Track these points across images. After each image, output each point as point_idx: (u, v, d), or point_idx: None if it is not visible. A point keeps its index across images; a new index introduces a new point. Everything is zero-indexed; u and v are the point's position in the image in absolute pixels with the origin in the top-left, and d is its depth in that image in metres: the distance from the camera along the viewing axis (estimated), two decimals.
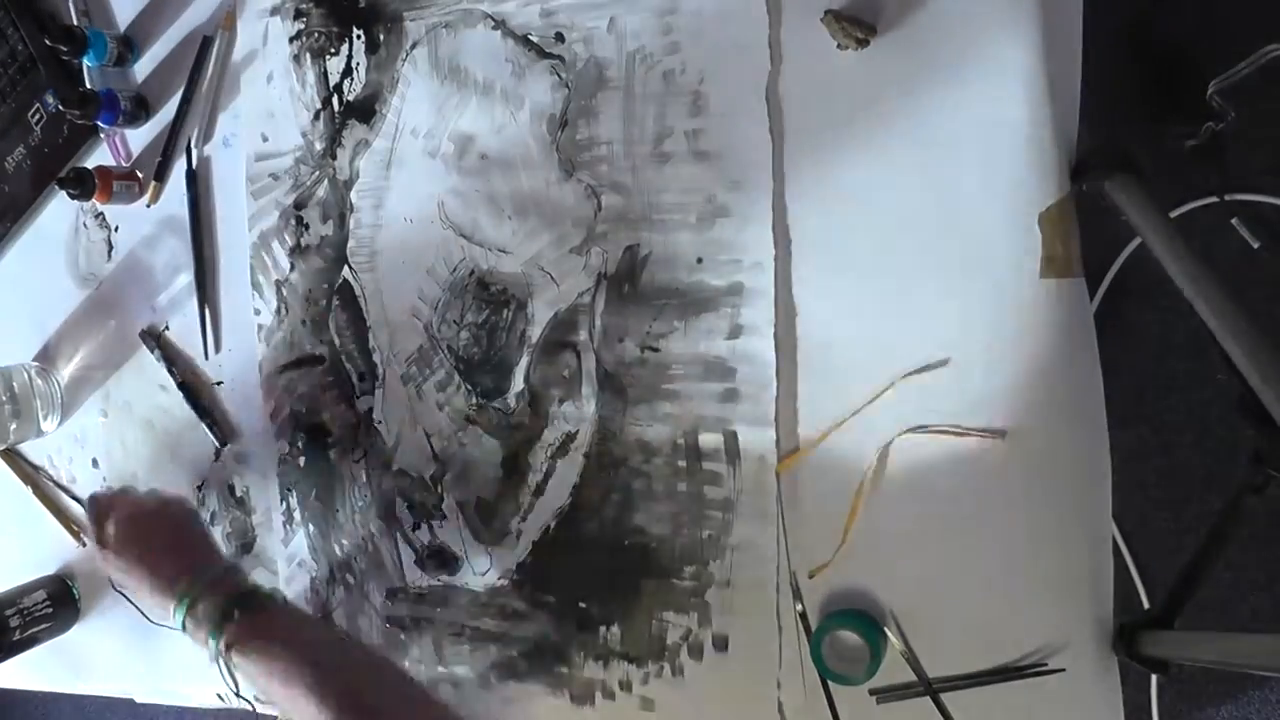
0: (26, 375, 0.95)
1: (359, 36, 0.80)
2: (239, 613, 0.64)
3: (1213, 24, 1.20)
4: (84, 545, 0.98)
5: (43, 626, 0.95)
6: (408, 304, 0.79)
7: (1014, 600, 0.63)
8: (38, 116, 0.94)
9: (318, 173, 0.82)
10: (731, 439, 0.68)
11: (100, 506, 0.75)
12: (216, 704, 0.87)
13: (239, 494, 0.89)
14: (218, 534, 0.89)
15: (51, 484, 1.00)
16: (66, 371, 0.97)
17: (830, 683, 0.67)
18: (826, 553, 0.67)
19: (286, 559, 0.86)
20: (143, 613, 0.92)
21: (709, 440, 0.69)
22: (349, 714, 0.57)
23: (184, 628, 0.67)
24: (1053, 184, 0.60)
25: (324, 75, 0.81)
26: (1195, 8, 1.20)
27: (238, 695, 0.66)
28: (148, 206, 0.90)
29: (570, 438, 0.74)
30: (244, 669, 0.63)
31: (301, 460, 0.85)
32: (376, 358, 0.81)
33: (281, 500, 0.86)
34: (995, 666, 0.63)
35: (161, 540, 0.72)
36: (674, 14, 0.68)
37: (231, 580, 0.68)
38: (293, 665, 0.60)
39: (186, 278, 0.89)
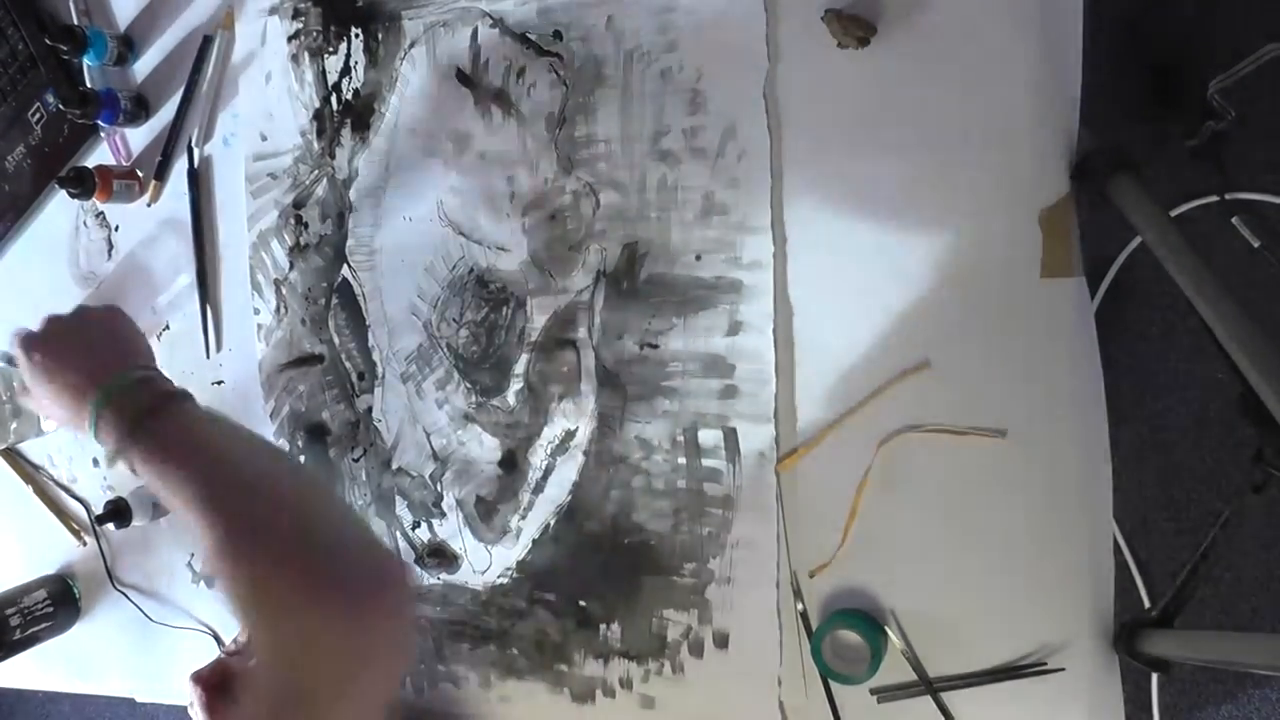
0: None
1: (357, 35, 0.80)
2: (148, 421, 0.57)
3: (1213, 24, 1.20)
4: (84, 545, 0.98)
5: (43, 626, 0.95)
6: (407, 302, 0.79)
7: (1014, 600, 0.63)
8: (38, 116, 0.94)
9: (316, 172, 0.82)
10: (731, 435, 0.68)
11: (23, 337, 0.65)
12: None
13: None
14: None
15: (52, 484, 1.00)
16: None
17: (831, 682, 0.67)
18: (827, 552, 0.67)
19: None
20: (144, 613, 0.93)
21: (708, 437, 0.69)
22: (235, 536, 0.50)
23: (98, 440, 0.59)
24: (1053, 184, 0.60)
25: (322, 74, 0.81)
26: (1195, 8, 1.20)
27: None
28: (148, 206, 0.91)
29: (570, 435, 0.74)
30: (148, 481, 0.56)
31: (302, 459, 0.85)
32: (376, 356, 0.81)
33: None
34: (995, 666, 0.63)
35: (76, 348, 0.63)
36: (671, 12, 0.68)
37: (148, 388, 0.60)
38: (188, 481, 0.53)
39: (187, 277, 0.89)
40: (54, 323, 0.65)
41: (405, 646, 0.57)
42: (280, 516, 0.53)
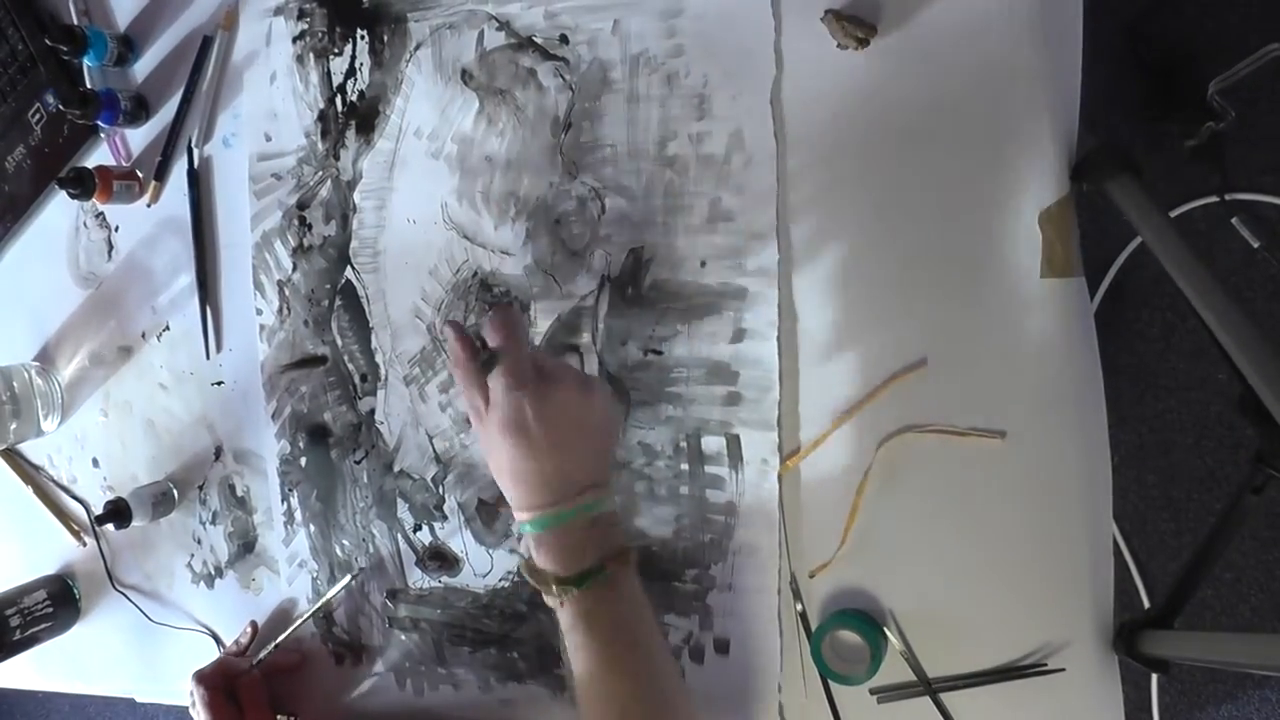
0: (27, 375, 0.95)
1: (362, 37, 0.80)
2: (611, 566, 0.56)
3: (1213, 24, 1.20)
4: (84, 545, 0.98)
5: (43, 626, 0.95)
6: (410, 305, 0.79)
7: (1014, 600, 0.63)
8: (38, 116, 0.93)
9: (321, 173, 0.82)
10: (734, 442, 0.68)
11: (537, 366, 0.59)
12: None
13: (240, 494, 0.89)
14: (219, 534, 0.90)
15: (52, 484, 1.00)
16: (67, 371, 0.97)
17: (831, 683, 0.67)
18: (827, 553, 0.67)
19: (287, 559, 0.86)
20: (144, 613, 0.93)
21: (711, 443, 0.69)
22: None
23: (535, 532, 0.57)
24: (1053, 184, 0.60)
25: (327, 76, 0.81)
26: (1195, 8, 1.21)
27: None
28: (148, 206, 0.90)
29: None
30: (581, 629, 0.56)
31: (303, 460, 0.85)
32: (379, 358, 0.81)
33: (283, 500, 0.86)
34: (995, 666, 0.63)
35: (590, 432, 0.58)
36: (678, 17, 0.68)
37: (615, 529, 0.58)
38: (612, 670, 0.55)
39: (187, 278, 0.89)
40: (580, 386, 0.58)
41: None
42: None
